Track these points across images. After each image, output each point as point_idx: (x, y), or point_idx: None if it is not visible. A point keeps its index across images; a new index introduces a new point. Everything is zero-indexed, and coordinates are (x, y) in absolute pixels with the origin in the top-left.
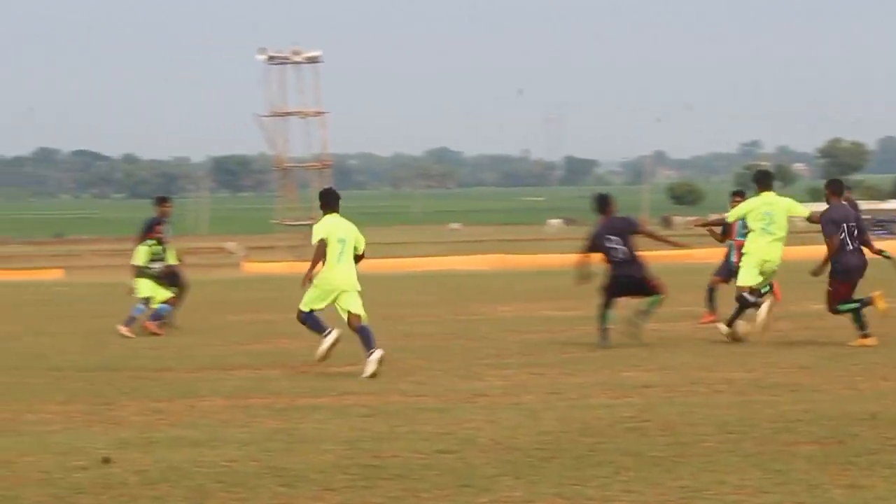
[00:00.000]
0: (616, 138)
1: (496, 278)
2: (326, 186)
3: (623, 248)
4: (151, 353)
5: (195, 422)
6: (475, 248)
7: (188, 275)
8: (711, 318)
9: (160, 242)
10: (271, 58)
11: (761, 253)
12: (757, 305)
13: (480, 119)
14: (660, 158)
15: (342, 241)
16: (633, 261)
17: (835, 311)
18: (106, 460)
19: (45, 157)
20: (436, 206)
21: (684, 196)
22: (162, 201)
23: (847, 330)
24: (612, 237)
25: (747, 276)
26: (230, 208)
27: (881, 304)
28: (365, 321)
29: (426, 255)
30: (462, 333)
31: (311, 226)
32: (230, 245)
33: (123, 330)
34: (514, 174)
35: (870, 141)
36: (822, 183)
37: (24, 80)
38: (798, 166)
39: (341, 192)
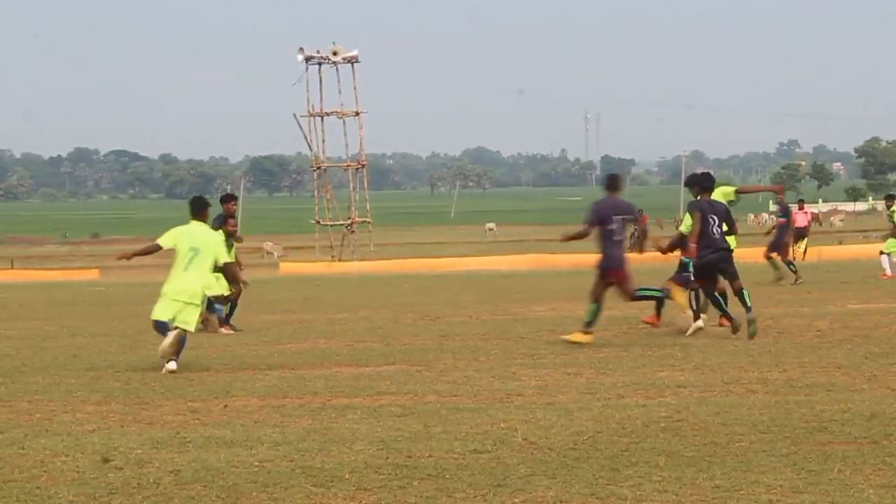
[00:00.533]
0: (653, 138)
1: (532, 278)
2: (197, 195)
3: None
4: (187, 353)
5: (230, 422)
6: (511, 248)
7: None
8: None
9: (230, 235)
10: (309, 58)
11: None
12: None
13: (517, 119)
14: (697, 158)
15: (194, 249)
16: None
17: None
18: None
19: (82, 157)
20: (472, 206)
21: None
22: (227, 199)
23: (886, 329)
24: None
25: None
26: (267, 208)
27: (679, 296)
28: (187, 332)
29: (462, 255)
30: (498, 333)
31: (346, 226)
32: (268, 245)
33: (224, 330)
34: (551, 174)
35: None
36: (860, 183)
37: (61, 81)
38: (836, 166)
39: (378, 192)
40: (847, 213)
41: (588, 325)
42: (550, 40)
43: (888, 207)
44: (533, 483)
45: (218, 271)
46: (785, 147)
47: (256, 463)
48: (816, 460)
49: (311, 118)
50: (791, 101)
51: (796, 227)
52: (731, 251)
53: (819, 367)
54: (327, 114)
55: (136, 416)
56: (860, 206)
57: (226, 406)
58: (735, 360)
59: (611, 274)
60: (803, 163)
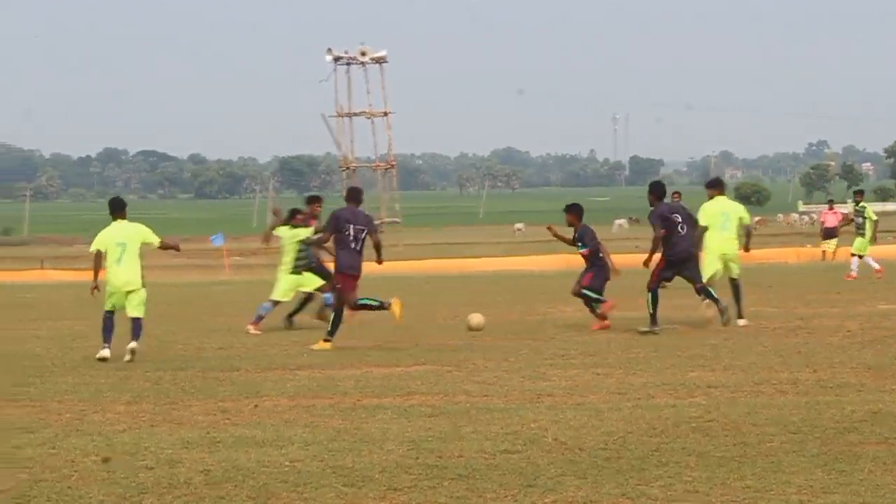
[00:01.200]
0: (682, 138)
1: (561, 278)
2: (114, 196)
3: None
4: (218, 353)
5: (260, 422)
6: (540, 249)
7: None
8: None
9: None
10: (338, 58)
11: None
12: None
13: (547, 119)
14: (726, 158)
15: (121, 244)
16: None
17: None
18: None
19: (111, 157)
20: (501, 207)
21: (750, 196)
22: (312, 201)
23: None
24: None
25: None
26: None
27: (397, 309)
28: (140, 317)
29: (491, 256)
30: (528, 333)
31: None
32: None
33: (252, 329)
34: (580, 174)
35: None
36: (889, 183)
37: (90, 81)
38: (865, 166)
39: (407, 193)
40: (876, 213)
41: (330, 334)
42: (579, 42)
43: (857, 203)
44: (563, 483)
45: (305, 269)
46: (814, 147)
47: (287, 463)
48: (847, 460)
49: (340, 118)
50: (821, 101)
51: (826, 228)
52: (694, 253)
53: (849, 368)
54: (356, 114)
55: (166, 416)
56: (889, 206)
57: (256, 406)
58: (765, 361)
59: (340, 278)
60: (832, 163)
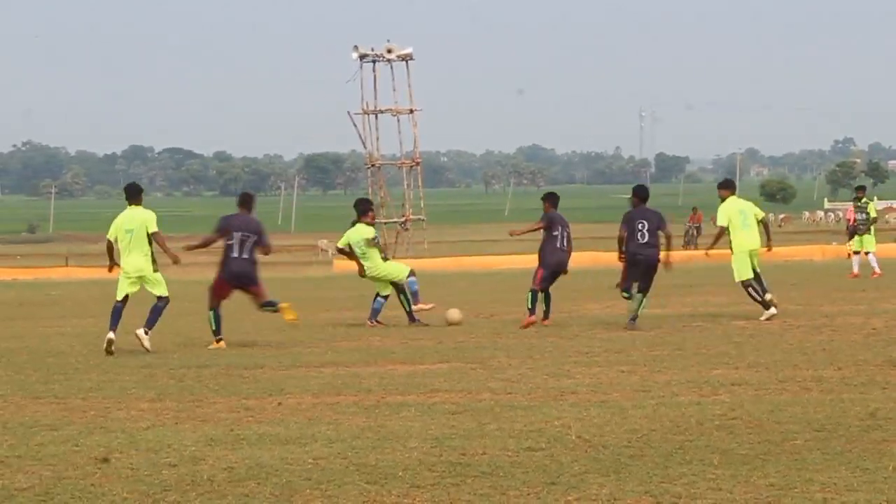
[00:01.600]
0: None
1: (587, 276)
2: (131, 182)
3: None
4: (242, 350)
5: (283, 419)
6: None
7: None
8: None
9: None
10: (364, 56)
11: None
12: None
13: (572, 117)
14: (752, 155)
15: (129, 231)
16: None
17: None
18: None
19: (136, 154)
20: (526, 204)
21: (776, 193)
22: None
23: None
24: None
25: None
26: (322, 206)
27: (289, 314)
28: (164, 295)
29: (516, 253)
30: (551, 331)
31: (401, 223)
32: (323, 243)
33: (369, 324)
34: (606, 172)
35: None
36: None
37: (116, 79)
38: (891, 163)
39: (433, 190)
40: None
41: (215, 334)
42: (605, 38)
43: (859, 200)
44: (587, 481)
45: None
46: (840, 145)
47: (310, 460)
48: (871, 458)
49: (366, 116)
50: (846, 98)
51: (851, 225)
52: (654, 255)
53: (874, 365)
54: (381, 111)
55: (190, 414)
56: None
57: (280, 404)
58: (790, 358)
59: (217, 282)
60: (858, 160)
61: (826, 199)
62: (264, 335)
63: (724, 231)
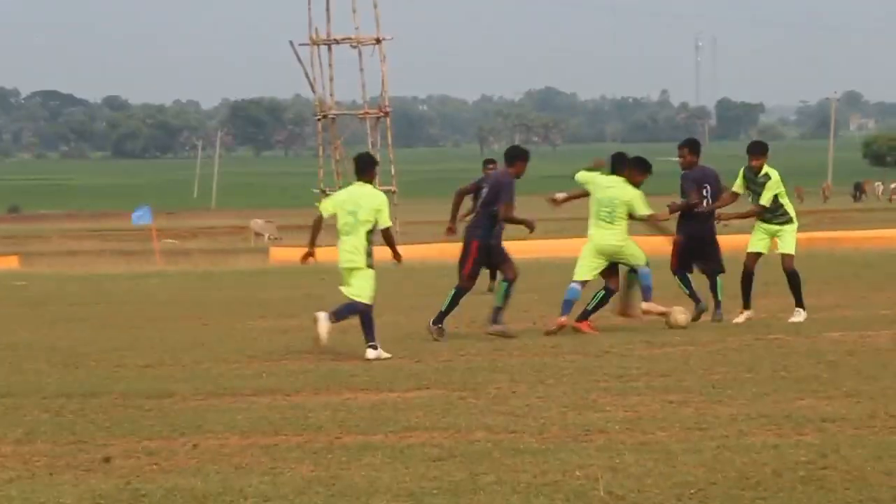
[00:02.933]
0: (792, 75)
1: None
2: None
3: None
4: (144, 371)
5: (200, 468)
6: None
7: None
8: None
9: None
10: None
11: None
12: None
13: (600, 51)
14: (852, 102)
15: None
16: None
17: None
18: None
19: None
20: (538, 170)
21: (886, 154)
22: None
23: None
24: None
25: None
26: (254, 172)
27: None
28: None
29: (521, 238)
30: (572, 346)
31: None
32: (256, 223)
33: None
34: (648, 125)
35: None
36: None
37: None
38: None
39: (408, 151)
40: None
41: None
42: None
43: None
44: None
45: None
46: None
47: None
48: None
49: (315, 47)
50: None
51: None
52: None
53: None
54: (337, 41)
55: (70, 461)
56: None
57: (195, 446)
58: None
59: None
60: None
61: None
62: (174, 352)
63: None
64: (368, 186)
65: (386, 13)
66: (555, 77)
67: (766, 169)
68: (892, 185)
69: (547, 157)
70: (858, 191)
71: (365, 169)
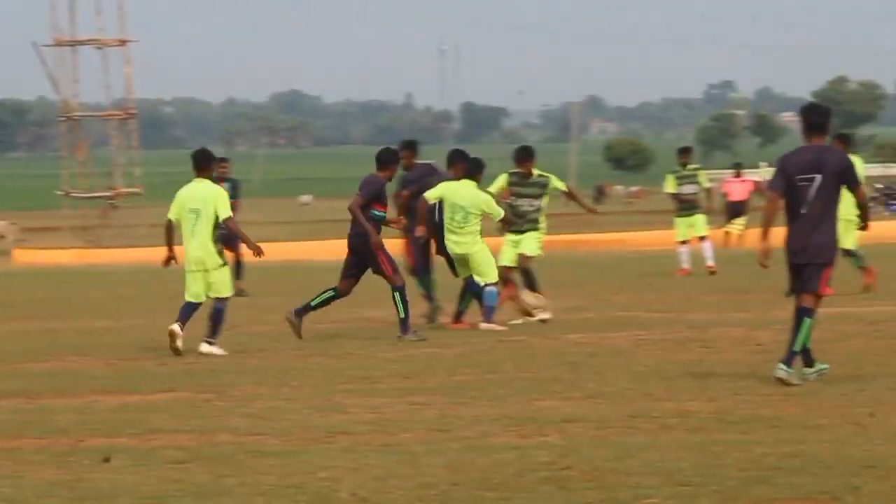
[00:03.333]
0: (535, 80)
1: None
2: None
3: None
4: None
5: None
6: (336, 230)
7: None
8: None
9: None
10: None
11: None
12: None
13: (345, 54)
14: (595, 106)
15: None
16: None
17: None
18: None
19: None
20: (283, 172)
21: (627, 158)
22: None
23: (852, 343)
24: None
25: None
26: None
27: None
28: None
29: (270, 241)
30: (318, 348)
31: (108, 199)
32: None
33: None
34: (392, 128)
35: (888, 81)
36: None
37: None
38: (785, 116)
39: (154, 152)
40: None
41: None
42: None
43: (684, 166)
44: None
45: None
46: (716, 90)
47: None
48: None
49: (58, 49)
50: (726, 30)
51: (731, 202)
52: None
53: (760, 395)
54: (81, 42)
55: None
56: None
57: None
58: (644, 386)
59: None
60: (742, 112)
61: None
62: None
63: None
64: (206, 182)
65: (131, 15)
66: (300, 80)
67: (539, 171)
68: (632, 189)
69: (291, 159)
70: (599, 193)
71: (202, 165)
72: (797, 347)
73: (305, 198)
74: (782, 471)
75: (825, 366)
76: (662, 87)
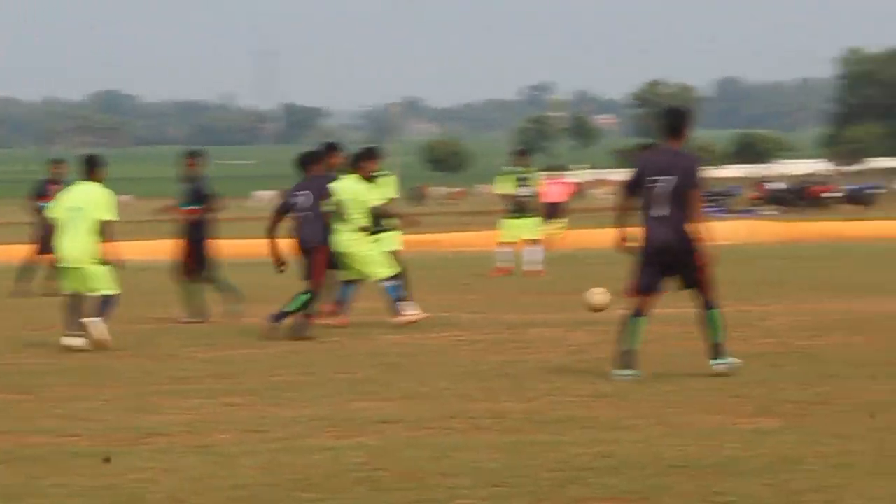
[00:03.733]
0: (355, 82)
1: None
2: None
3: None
4: None
5: None
6: (156, 230)
7: None
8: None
9: None
10: None
11: None
12: None
13: (163, 54)
14: (413, 108)
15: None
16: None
17: None
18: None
19: None
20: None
21: (445, 159)
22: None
23: (685, 345)
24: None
25: None
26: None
27: None
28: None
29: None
30: (134, 349)
31: None
32: None
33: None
34: (213, 128)
35: (703, 83)
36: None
37: None
38: (602, 119)
39: None
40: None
41: None
42: None
43: (525, 167)
44: None
45: None
46: (536, 92)
47: None
48: None
49: None
50: (543, 30)
51: (549, 203)
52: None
53: (573, 396)
54: None
55: None
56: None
57: None
58: (460, 386)
59: None
60: (561, 114)
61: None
62: None
63: None
64: (92, 184)
65: None
66: (118, 80)
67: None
68: (452, 190)
69: (111, 160)
70: (417, 195)
71: (91, 169)
72: (720, 339)
73: (125, 197)
74: (595, 471)
75: (638, 372)
76: (482, 89)
